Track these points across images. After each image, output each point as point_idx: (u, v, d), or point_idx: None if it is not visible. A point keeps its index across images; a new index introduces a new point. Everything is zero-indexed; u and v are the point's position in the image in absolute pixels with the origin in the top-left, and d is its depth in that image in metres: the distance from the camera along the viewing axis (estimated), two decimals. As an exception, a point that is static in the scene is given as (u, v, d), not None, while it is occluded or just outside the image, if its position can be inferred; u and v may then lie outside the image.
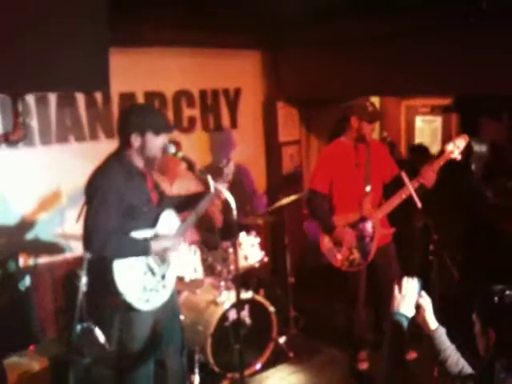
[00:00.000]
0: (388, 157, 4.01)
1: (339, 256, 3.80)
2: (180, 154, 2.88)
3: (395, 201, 3.72)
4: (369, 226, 3.77)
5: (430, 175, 3.58)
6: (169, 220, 2.98)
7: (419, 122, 7.09)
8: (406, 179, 3.52)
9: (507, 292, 1.88)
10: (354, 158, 3.78)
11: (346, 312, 4.13)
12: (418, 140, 6.80)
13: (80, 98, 4.38)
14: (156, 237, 2.86)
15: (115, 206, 2.69)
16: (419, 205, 3.45)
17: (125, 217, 2.75)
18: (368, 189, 3.76)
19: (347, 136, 3.84)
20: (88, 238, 2.69)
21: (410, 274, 4.35)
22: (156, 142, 2.78)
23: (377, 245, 3.81)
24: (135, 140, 2.75)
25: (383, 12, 3.95)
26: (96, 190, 2.71)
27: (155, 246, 2.82)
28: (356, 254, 3.79)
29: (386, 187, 3.89)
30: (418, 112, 7.07)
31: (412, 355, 3.87)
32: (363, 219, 3.78)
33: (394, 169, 3.91)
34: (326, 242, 3.85)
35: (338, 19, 4.29)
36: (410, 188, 3.49)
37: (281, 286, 4.82)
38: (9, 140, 1.88)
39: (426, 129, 7.02)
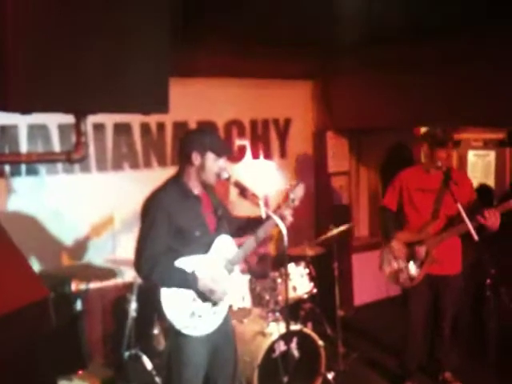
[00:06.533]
0: (469, 189, 3.88)
1: (388, 268, 3.96)
2: (233, 179, 2.87)
3: (453, 233, 3.72)
4: (422, 250, 3.82)
5: (494, 221, 3.46)
6: (224, 246, 2.93)
7: (472, 156, 6.94)
8: (463, 214, 3.43)
9: None
10: (426, 183, 3.87)
11: (402, 336, 4.13)
12: (470, 174, 6.62)
13: (135, 125, 4.50)
14: (206, 278, 2.78)
15: (164, 227, 2.69)
16: (475, 238, 3.38)
17: (175, 239, 2.73)
18: (434, 215, 3.82)
19: (424, 162, 4.00)
20: (137, 259, 2.69)
21: (463, 310, 4.14)
22: (214, 165, 2.79)
23: (432, 271, 3.82)
24: (195, 159, 2.76)
25: (437, 36, 3.88)
26: (147, 210, 2.74)
27: (202, 284, 2.75)
28: (404, 273, 3.89)
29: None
30: (470, 146, 6.93)
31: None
32: (419, 242, 3.83)
33: (472, 201, 3.81)
34: (386, 251, 3.98)
35: (389, 44, 4.23)
36: (468, 224, 3.40)
37: (329, 320, 4.71)
38: (70, 159, 1.90)
39: (479, 163, 6.85)
